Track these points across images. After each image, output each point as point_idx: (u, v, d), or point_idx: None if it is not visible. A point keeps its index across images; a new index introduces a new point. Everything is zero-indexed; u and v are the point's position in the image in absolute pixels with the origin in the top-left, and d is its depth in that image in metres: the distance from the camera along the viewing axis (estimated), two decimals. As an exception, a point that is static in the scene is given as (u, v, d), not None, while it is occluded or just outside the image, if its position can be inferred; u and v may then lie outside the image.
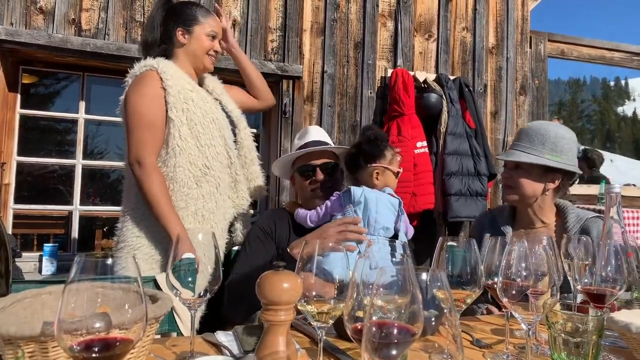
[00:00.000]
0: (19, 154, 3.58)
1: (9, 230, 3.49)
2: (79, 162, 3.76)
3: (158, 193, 1.76)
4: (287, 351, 0.87)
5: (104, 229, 4.60)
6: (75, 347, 0.66)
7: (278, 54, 3.75)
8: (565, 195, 1.85)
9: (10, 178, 3.53)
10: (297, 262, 0.95)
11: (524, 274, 1.03)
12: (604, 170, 6.58)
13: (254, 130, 2.24)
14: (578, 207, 1.93)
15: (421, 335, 0.69)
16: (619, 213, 1.37)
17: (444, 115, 3.75)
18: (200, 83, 2.07)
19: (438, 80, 3.93)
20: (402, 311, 0.68)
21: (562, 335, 0.96)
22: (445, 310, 0.79)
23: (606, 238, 1.33)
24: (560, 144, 1.74)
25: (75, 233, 3.73)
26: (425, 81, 3.88)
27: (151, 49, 1.97)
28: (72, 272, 0.68)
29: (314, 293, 0.91)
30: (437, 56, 4.15)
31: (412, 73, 3.88)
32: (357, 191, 1.73)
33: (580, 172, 1.82)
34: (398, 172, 1.84)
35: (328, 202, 1.79)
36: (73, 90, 3.88)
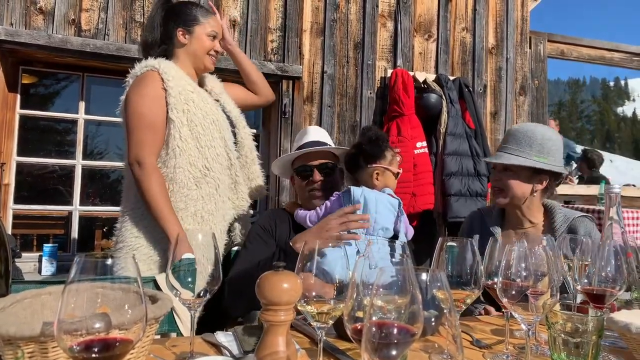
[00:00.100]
0: (19, 154, 3.58)
1: (9, 231, 3.49)
2: (78, 163, 3.76)
3: (157, 194, 1.76)
4: (287, 351, 0.87)
5: (104, 229, 4.59)
6: (75, 347, 0.66)
7: (278, 54, 3.75)
8: (552, 195, 1.87)
9: (10, 178, 3.53)
10: (297, 262, 0.95)
11: (524, 274, 1.04)
12: (603, 170, 6.59)
13: (254, 131, 2.24)
14: (565, 206, 1.96)
15: (421, 336, 0.69)
16: (619, 213, 1.38)
17: (444, 116, 3.75)
18: (201, 83, 2.07)
19: (438, 80, 3.93)
20: (402, 311, 0.68)
21: (562, 335, 0.96)
22: (445, 311, 0.79)
23: (605, 238, 1.34)
24: (547, 146, 1.76)
25: (75, 233, 3.73)
26: (425, 81, 3.88)
27: (151, 50, 1.97)
28: (71, 272, 0.68)
29: (313, 293, 0.91)
30: (437, 56, 4.16)
31: (411, 73, 3.88)
32: (356, 191, 1.73)
33: (567, 173, 1.84)
34: (398, 173, 1.84)
35: (328, 203, 1.79)
36: (73, 91, 3.88)
